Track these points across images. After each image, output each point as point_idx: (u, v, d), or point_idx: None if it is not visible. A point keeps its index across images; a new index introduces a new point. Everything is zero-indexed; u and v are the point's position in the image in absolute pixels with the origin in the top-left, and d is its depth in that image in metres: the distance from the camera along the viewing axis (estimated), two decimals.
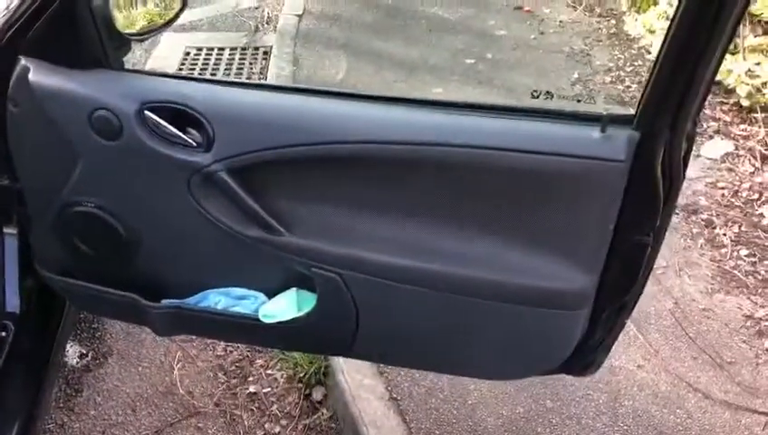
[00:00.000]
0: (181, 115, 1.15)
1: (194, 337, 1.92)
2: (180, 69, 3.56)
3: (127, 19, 1.32)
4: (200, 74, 3.48)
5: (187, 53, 3.69)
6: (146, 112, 1.14)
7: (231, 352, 1.95)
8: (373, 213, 1.22)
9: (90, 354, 1.92)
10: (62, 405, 1.78)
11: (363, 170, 1.18)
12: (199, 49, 3.76)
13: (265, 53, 3.77)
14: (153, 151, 1.16)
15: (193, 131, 1.16)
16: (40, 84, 1.18)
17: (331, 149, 1.15)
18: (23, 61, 1.19)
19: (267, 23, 4.09)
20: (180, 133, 1.15)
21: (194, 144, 1.15)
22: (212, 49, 3.78)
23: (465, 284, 1.18)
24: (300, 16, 4.11)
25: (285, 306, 1.31)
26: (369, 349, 1.40)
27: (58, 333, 1.63)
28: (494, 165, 1.10)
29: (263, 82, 1.19)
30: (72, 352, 1.90)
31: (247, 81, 1.20)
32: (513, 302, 1.19)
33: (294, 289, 1.32)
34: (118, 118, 1.15)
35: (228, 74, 3.54)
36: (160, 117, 1.15)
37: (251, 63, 3.69)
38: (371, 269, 1.23)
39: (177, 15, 1.34)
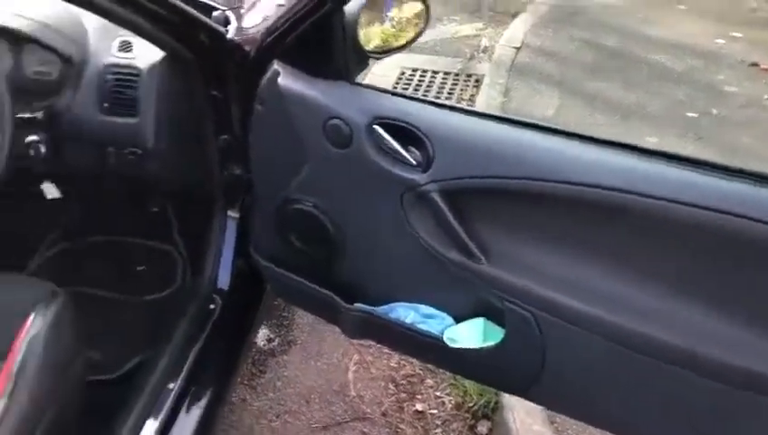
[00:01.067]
0: (405, 133, 1.20)
1: (372, 343, 1.99)
2: (395, 86, 3.73)
3: (365, 36, 1.41)
4: (413, 93, 3.62)
5: (403, 73, 3.86)
6: (375, 126, 1.21)
7: (404, 365, 1.99)
8: (578, 257, 1.18)
9: (276, 340, 2.06)
10: (245, 382, 1.93)
11: (572, 212, 1.15)
12: (414, 70, 3.91)
13: (477, 80, 3.83)
14: (375, 163, 1.22)
15: (414, 150, 1.21)
16: (286, 88, 1.29)
17: (544, 186, 1.13)
18: (275, 65, 1.31)
19: (483, 52, 4.15)
20: (403, 150, 1.20)
21: (413, 162, 1.20)
22: (426, 71, 3.91)
23: (680, 355, 1.10)
24: (517, 49, 4.13)
25: (471, 333, 1.31)
26: (548, 395, 1.36)
27: (256, 315, 1.76)
28: (719, 229, 1.02)
29: (488, 112, 1.19)
30: (262, 335, 2.05)
31: (472, 108, 1.22)
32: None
33: (482, 318, 1.31)
34: (350, 128, 1.23)
35: (439, 97, 3.64)
36: (387, 132, 1.21)
37: (462, 89, 3.77)
38: (567, 314, 1.19)
39: (415, 38, 1.40)
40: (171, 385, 1.40)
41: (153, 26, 1.27)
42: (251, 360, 1.98)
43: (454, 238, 1.22)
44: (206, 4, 1.54)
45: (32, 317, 1.26)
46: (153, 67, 1.41)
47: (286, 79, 1.29)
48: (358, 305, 1.41)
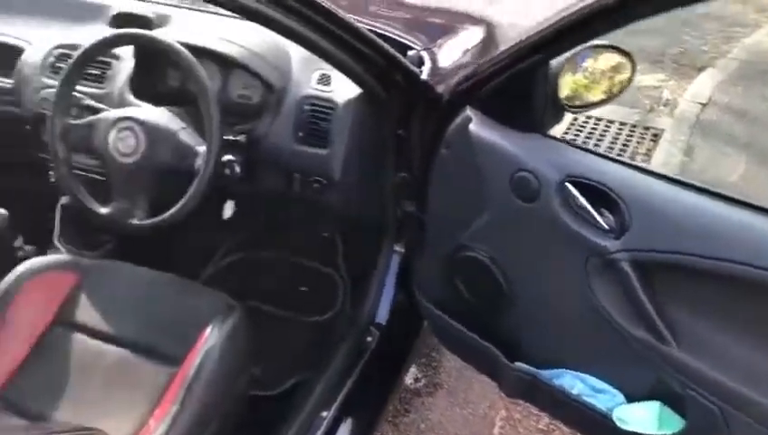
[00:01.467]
0: (599, 194, 1.14)
1: (520, 401, 1.90)
2: (566, 133, 3.62)
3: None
4: (584, 142, 3.50)
5: (575, 120, 3.74)
6: (567, 184, 1.15)
7: (553, 430, 1.89)
8: None
9: (423, 380, 2.03)
10: (389, 419, 1.91)
11: None
12: (588, 118, 3.76)
13: (655, 135, 3.63)
14: (562, 222, 1.17)
15: (607, 213, 1.14)
16: (477, 135, 1.27)
17: (748, 271, 1.02)
18: (467, 111, 1.30)
19: (664, 105, 3.93)
20: (595, 213, 1.14)
21: (605, 227, 1.13)
22: (600, 120, 3.76)
23: None
24: (703, 105, 3.87)
25: (645, 418, 1.21)
26: None
27: (411, 352, 1.75)
28: None
29: (693, 182, 1.10)
30: (410, 374, 2.03)
31: (676, 176, 1.13)
32: None
33: (659, 402, 1.21)
34: (539, 182, 1.18)
35: (612, 149, 3.49)
36: (579, 192, 1.15)
37: (638, 142, 3.59)
38: (759, 414, 1.07)
39: (617, 94, 1.33)
40: (325, 413, 1.41)
41: (355, 63, 1.31)
42: (397, 397, 1.96)
43: (642, 315, 1.13)
44: (402, 42, 1.57)
45: (209, 328, 1.32)
46: (348, 103, 1.44)
47: (477, 126, 1.27)
48: (521, 365, 1.35)
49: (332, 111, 1.44)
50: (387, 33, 1.59)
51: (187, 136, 1.37)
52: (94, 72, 1.59)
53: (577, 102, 1.32)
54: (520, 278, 1.31)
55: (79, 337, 1.38)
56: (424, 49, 1.56)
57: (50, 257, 1.48)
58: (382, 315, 1.67)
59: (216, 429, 1.27)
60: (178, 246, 1.63)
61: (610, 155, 1.18)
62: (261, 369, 1.56)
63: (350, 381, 1.52)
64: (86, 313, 1.41)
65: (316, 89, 1.47)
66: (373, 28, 1.59)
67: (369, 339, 1.62)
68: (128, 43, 1.54)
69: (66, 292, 1.43)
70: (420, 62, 1.50)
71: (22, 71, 1.68)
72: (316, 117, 1.45)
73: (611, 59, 1.34)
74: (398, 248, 1.67)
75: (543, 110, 1.22)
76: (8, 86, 1.70)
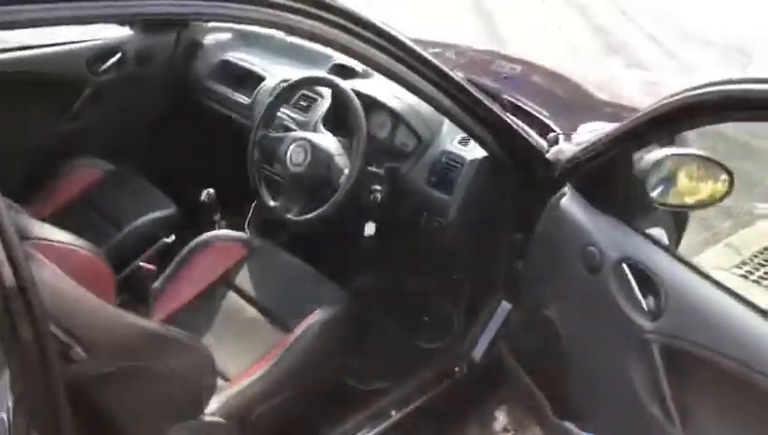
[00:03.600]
0: (647, 277, 1.28)
1: None
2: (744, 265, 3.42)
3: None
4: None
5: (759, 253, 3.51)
6: (623, 265, 1.31)
7: None
8: None
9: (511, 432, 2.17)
10: None
11: None
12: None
13: None
14: (613, 297, 1.33)
15: (651, 296, 1.27)
16: (566, 208, 1.47)
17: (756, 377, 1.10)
18: (566, 187, 1.50)
19: None
20: (639, 294, 1.28)
21: (645, 308, 1.26)
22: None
23: None
24: None
25: None
26: None
27: (489, 396, 1.94)
28: None
29: (731, 288, 1.18)
30: (499, 421, 2.17)
31: (716, 279, 1.22)
32: None
33: None
34: (602, 258, 1.35)
35: None
36: (632, 272, 1.30)
37: None
38: None
39: (712, 202, 1.42)
40: (393, 412, 1.68)
41: (490, 137, 1.58)
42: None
43: (659, 394, 1.24)
44: (547, 124, 1.80)
45: (318, 311, 1.66)
46: (475, 161, 1.72)
47: (568, 201, 1.47)
48: (565, 424, 1.49)
49: (461, 165, 1.73)
50: (536, 114, 1.84)
51: (340, 160, 1.76)
52: (303, 103, 2.05)
53: (669, 202, 1.45)
54: (577, 340, 1.46)
55: (232, 295, 1.80)
56: (563, 134, 1.77)
57: (227, 232, 1.93)
58: (476, 354, 1.88)
59: (298, 392, 1.60)
60: (330, 249, 2.00)
61: (665, 244, 1.31)
62: (361, 363, 1.86)
63: (427, 395, 1.76)
64: (243, 279, 1.83)
65: (455, 147, 1.76)
66: (524, 106, 1.85)
67: (456, 369, 1.85)
68: (322, 85, 1.99)
69: (234, 260, 1.86)
70: (555, 143, 1.72)
71: (258, 93, 2.20)
72: (448, 168, 1.74)
73: (709, 170, 1.44)
74: (506, 304, 1.88)
75: (625, 198, 1.39)
76: (246, 103, 2.23)
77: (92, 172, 2.20)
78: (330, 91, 1.99)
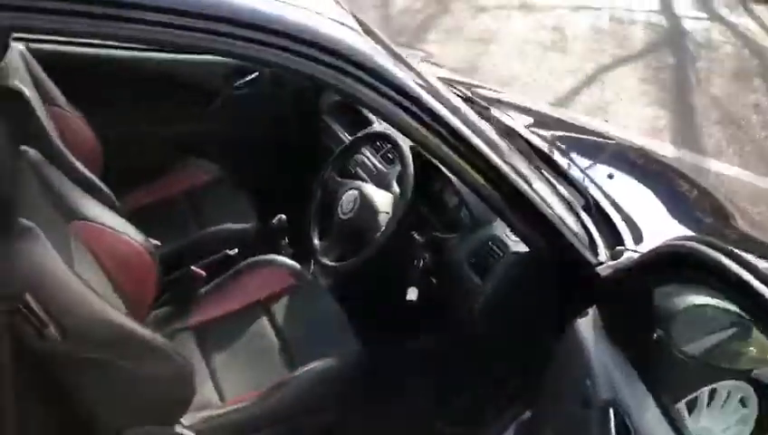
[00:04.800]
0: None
1: None
2: None
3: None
4: None
5: None
6: (610, 409, 1.18)
7: None
8: None
9: None
10: None
11: None
12: None
13: None
14: None
15: None
16: (579, 329, 1.34)
17: None
18: (593, 308, 1.36)
19: None
20: None
21: None
22: None
23: None
24: None
25: None
26: None
27: None
28: None
29: None
30: None
31: None
32: None
33: None
34: (594, 396, 1.22)
35: None
36: (614, 420, 1.16)
37: None
38: None
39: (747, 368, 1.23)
40: None
41: (538, 238, 1.49)
42: None
43: None
44: (618, 232, 1.65)
45: (324, 359, 1.66)
46: (516, 254, 1.62)
47: (586, 322, 1.35)
48: None
49: (504, 252, 1.63)
50: (615, 220, 1.69)
51: (384, 217, 1.74)
52: (390, 155, 2.05)
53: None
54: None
55: (263, 320, 1.85)
56: (631, 250, 1.61)
57: (283, 259, 1.98)
58: None
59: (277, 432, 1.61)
60: (371, 305, 1.99)
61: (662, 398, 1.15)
62: (363, 422, 1.82)
63: None
64: (280, 307, 1.87)
65: (505, 235, 1.67)
66: (607, 209, 1.71)
67: None
68: (386, 141, 2.00)
69: (280, 287, 1.92)
70: (616, 257, 1.56)
71: None
72: (491, 253, 1.65)
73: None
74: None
75: (638, 335, 1.23)
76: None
77: (200, 174, 2.38)
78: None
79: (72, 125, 2.06)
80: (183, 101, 2.42)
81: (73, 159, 1.83)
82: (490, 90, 2.65)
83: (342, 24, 1.43)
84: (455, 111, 1.49)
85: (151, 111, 2.35)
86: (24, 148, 1.45)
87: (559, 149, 2.08)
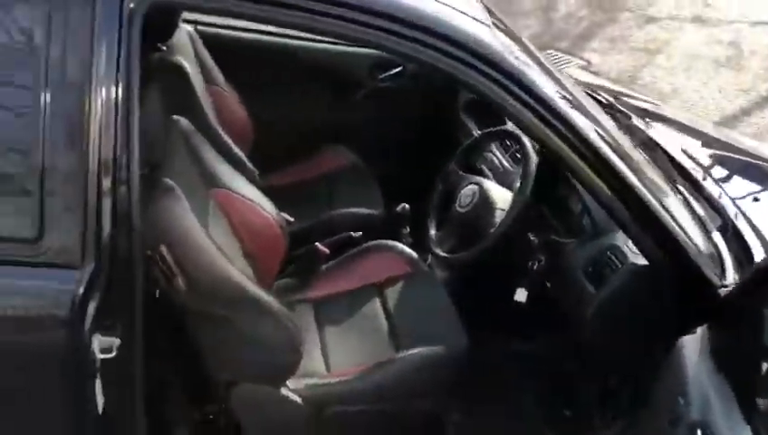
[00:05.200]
0: None
1: None
2: None
3: None
4: None
5: None
6: (698, 431, 1.12)
7: None
8: None
9: None
10: None
11: None
12: None
13: None
14: None
15: None
16: (683, 346, 1.28)
17: None
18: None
19: None
20: None
21: None
22: None
23: None
24: None
25: None
26: None
27: None
28: None
29: None
30: None
31: None
32: None
33: None
34: (684, 415, 1.17)
35: None
36: None
37: None
38: None
39: None
40: None
41: (660, 254, 1.44)
42: None
43: None
44: (752, 256, 1.55)
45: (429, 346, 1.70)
46: (635, 265, 1.56)
47: (691, 339, 1.28)
48: None
49: (621, 264, 1.58)
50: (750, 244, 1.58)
51: (501, 214, 1.74)
52: (518, 155, 2.04)
53: None
54: None
55: (376, 301, 1.92)
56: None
57: (402, 246, 2.03)
58: None
59: (374, 409, 1.68)
60: (481, 298, 1.99)
61: None
62: (460, 417, 1.83)
63: None
64: (393, 292, 1.93)
65: (626, 246, 1.61)
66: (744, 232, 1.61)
67: None
68: (511, 140, 1.99)
69: (396, 273, 1.97)
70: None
71: None
72: (608, 262, 1.60)
73: None
74: None
75: (741, 367, 1.16)
76: None
77: (339, 159, 2.50)
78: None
79: (227, 103, 2.25)
80: (330, 90, 2.56)
81: (223, 134, 2.00)
82: (643, 100, 2.55)
83: (482, 22, 1.47)
84: (587, 116, 1.48)
85: (301, 97, 2.50)
86: (176, 117, 1.62)
87: (702, 166, 1.97)
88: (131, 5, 1.19)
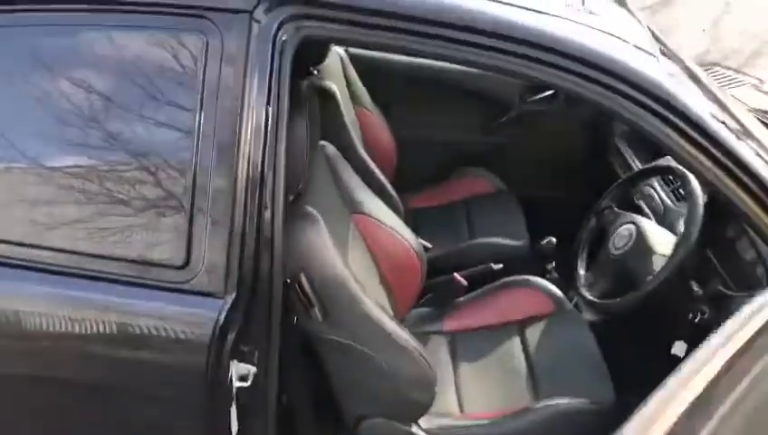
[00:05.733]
0: None
1: None
2: None
3: None
4: None
5: None
6: None
7: None
8: None
9: None
10: None
11: None
12: None
13: None
14: None
15: None
16: None
17: None
18: None
19: None
20: None
21: None
22: None
23: None
24: None
25: None
26: None
27: None
28: None
29: None
30: None
31: None
32: None
33: None
34: None
35: None
36: None
37: None
38: None
39: None
40: None
41: None
42: None
43: None
44: None
45: (571, 398, 1.57)
46: None
47: None
48: None
49: None
50: None
51: (660, 260, 1.56)
52: (682, 192, 1.86)
53: None
54: None
55: (516, 341, 1.81)
56: None
57: (545, 283, 1.91)
58: None
59: None
60: (631, 349, 1.82)
61: None
62: None
63: None
64: (535, 331, 1.82)
65: None
66: None
67: None
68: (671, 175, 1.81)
69: (538, 312, 1.86)
70: None
71: None
72: None
73: None
74: None
75: None
76: None
77: (483, 184, 2.41)
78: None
79: (372, 124, 2.24)
80: (477, 112, 2.48)
81: (367, 159, 1.98)
82: None
83: (640, 48, 1.35)
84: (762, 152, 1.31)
85: (447, 118, 2.45)
86: (323, 142, 1.62)
87: None
88: (284, 38, 1.19)
